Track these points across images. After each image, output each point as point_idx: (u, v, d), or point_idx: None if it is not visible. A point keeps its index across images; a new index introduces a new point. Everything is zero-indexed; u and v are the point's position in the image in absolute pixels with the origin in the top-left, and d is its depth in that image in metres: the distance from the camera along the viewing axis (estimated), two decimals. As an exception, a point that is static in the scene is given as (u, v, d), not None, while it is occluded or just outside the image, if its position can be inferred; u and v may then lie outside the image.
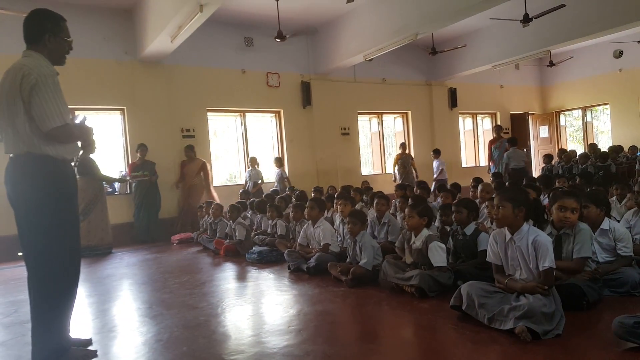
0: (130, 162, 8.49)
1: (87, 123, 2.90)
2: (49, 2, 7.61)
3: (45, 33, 2.63)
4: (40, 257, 2.56)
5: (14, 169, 2.56)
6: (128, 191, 8.41)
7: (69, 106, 8.30)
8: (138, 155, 8.22)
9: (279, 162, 9.66)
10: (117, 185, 8.56)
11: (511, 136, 11.13)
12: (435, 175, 10.69)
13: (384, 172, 11.92)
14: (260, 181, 9.21)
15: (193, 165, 8.58)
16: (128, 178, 8.07)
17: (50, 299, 2.57)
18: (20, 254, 7.73)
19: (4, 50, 7.45)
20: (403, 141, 11.47)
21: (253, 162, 9.30)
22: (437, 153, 10.92)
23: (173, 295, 4.25)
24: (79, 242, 2.78)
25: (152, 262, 6.12)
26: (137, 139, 8.43)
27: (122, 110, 8.65)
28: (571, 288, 2.94)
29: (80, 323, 3.61)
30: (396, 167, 10.59)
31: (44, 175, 2.54)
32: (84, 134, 2.80)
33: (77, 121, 2.89)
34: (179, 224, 8.44)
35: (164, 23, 7.00)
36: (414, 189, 6.94)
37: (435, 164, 10.88)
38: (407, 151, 10.86)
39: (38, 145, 2.52)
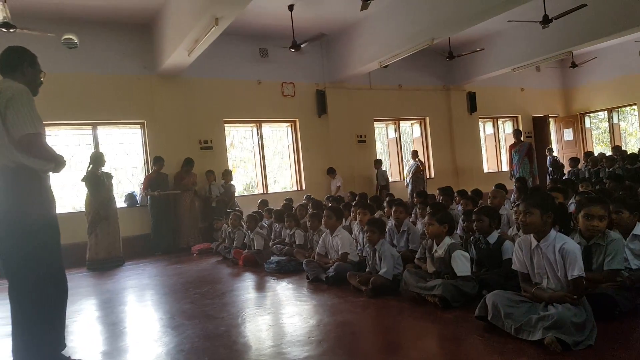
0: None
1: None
2: (71, 20, 7.86)
3: (24, 62, 2.83)
4: (22, 270, 2.56)
5: None
6: (147, 204, 8.44)
7: (92, 121, 8.46)
8: (154, 168, 8.29)
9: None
10: (138, 197, 8.65)
11: (377, 158, 10.76)
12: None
13: (401, 179, 11.81)
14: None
15: (191, 179, 8.55)
16: (156, 192, 8.12)
17: (40, 314, 2.56)
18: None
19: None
20: (414, 149, 11.36)
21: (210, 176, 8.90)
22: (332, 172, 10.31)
23: (194, 305, 4.26)
24: (60, 255, 2.76)
25: (173, 273, 6.16)
26: (156, 152, 8.53)
27: (142, 124, 8.79)
28: (602, 297, 2.82)
29: (106, 333, 3.66)
30: (409, 176, 10.53)
31: (20, 187, 2.57)
32: (54, 153, 2.80)
33: None
34: (192, 235, 8.44)
35: (181, 37, 7.09)
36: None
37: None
38: (417, 158, 10.74)
39: (15, 156, 2.56)
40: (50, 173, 2.83)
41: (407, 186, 10.56)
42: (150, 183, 8.19)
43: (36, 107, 2.73)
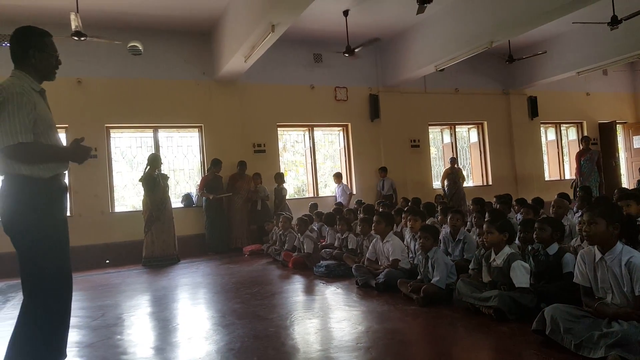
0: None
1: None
2: (136, 29, 8.30)
3: (29, 49, 2.56)
4: (29, 277, 2.49)
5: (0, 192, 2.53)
6: (202, 204, 8.69)
7: (154, 124, 8.87)
8: (212, 170, 8.55)
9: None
10: (194, 198, 8.95)
11: (382, 166, 10.09)
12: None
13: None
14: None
15: (244, 182, 8.72)
16: (211, 196, 8.36)
17: (44, 322, 2.48)
18: (107, 261, 8.24)
19: (99, 74, 8.20)
20: (453, 156, 10.99)
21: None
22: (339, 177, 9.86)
23: (244, 305, 4.34)
24: (67, 260, 2.65)
25: (225, 272, 6.32)
26: (213, 155, 8.79)
27: (200, 127, 9.11)
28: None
29: (159, 329, 3.80)
30: (445, 183, 10.19)
31: (20, 197, 2.47)
32: (54, 154, 2.61)
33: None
34: (243, 236, 8.62)
35: (238, 44, 7.29)
36: (469, 206, 6.58)
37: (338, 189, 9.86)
38: (456, 166, 10.40)
39: (11, 165, 2.45)
40: (66, 172, 2.68)
41: (445, 196, 10.16)
42: (207, 184, 8.46)
43: (46, 106, 2.59)
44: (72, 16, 6.32)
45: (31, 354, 2.44)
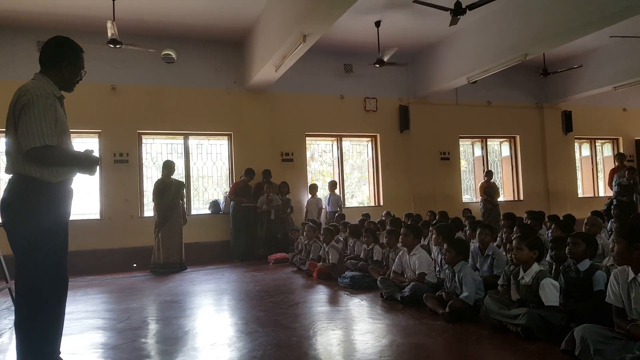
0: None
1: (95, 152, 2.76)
2: (170, 37, 8.52)
3: (65, 60, 2.66)
4: (25, 278, 2.51)
5: (5, 190, 2.57)
6: (229, 211, 8.77)
7: (185, 131, 8.98)
8: (243, 178, 8.63)
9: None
10: (221, 205, 9.04)
11: (332, 180, 9.68)
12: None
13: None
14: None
15: (271, 189, 8.68)
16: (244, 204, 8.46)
17: (37, 321, 2.50)
18: (135, 265, 8.26)
19: (132, 81, 8.44)
20: (489, 169, 10.70)
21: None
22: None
23: (268, 313, 4.34)
24: (65, 265, 2.66)
25: (249, 280, 6.33)
26: (241, 162, 8.91)
27: (230, 135, 9.23)
28: None
29: (182, 334, 3.82)
30: (480, 199, 9.97)
31: (25, 197, 2.50)
32: (74, 160, 2.68)
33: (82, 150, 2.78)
34: (266, 245, 8.62)
35: (269, 54, 7.38)
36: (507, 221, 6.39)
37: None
38: (492, 180, 10.17)
39: (23, 166, 2.49)
40: (75, 178, 2.73)
41: (481, 210, 9.97)
42: (237, 191, 8.54)
43: (61, 110, 2.64)
44: (109, 24, 6.52)
45: (26, 351, 2.49)
